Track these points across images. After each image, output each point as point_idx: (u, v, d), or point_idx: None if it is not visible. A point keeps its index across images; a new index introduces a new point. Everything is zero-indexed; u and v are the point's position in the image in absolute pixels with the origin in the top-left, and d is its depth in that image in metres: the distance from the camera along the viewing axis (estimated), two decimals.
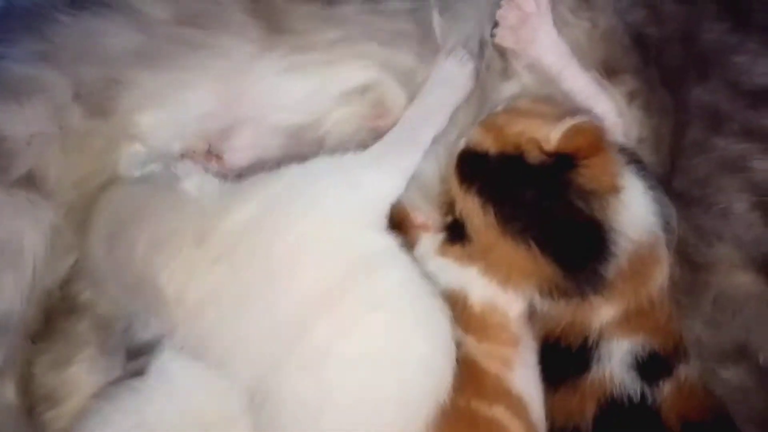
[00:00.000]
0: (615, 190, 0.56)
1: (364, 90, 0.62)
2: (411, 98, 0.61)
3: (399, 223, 0.61)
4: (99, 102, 0.60)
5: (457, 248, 0.59)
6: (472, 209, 0.57)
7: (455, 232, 0.59)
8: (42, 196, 0.59)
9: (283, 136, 0.62)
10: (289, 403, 0.52)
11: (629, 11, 0.62)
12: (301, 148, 0.62)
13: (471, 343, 0.57)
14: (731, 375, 0.55)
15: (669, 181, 0.59)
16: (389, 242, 0.55)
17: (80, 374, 0.61)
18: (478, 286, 0.58)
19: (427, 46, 0.62)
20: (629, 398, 0.55)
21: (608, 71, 0.62)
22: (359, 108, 0.62)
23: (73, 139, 0.60)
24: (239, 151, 0.63)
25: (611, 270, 0.55)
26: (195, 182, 0.57)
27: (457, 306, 0.57)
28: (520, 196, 0.56)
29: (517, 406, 0.55)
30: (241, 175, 0.61)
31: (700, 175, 0.58)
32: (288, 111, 0.62)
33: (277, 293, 0.53)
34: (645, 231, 0.57)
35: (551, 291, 0.56)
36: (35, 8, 0.61)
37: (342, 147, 0.61)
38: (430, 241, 0.61)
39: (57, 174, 0.59)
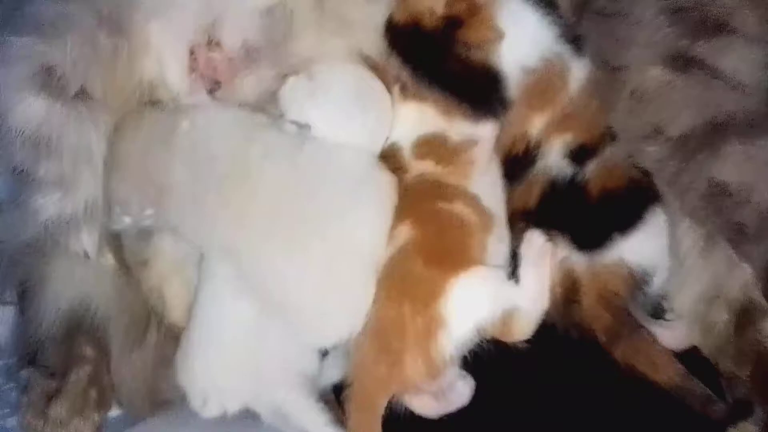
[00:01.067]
0: (497, 37, 0.70)
1: None
2: None
3: (380, 77, 0.75)
4: (117, 22, 0.74)
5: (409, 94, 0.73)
6: (398, 68, 0.72)
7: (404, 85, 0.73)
8: (97, 105, 0.73)
9: (260, 17, 0.75)
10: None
11: None
12: (277, 25, 0.75)
13: (438, 169, 0.71)
14: (652, 150, 0.68)
15: (588, 2, 0.71)
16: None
17: (160, 240, 0.75)
18: (439, 122, 0.73)
19: None
20: (563, 179, 0.70)
21: None
22: None
23: (106, 55, 0.73)
24: (231, 36, 0.76)
25: (512, 92, 0.71)
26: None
27: (436, 144, 0.72)
28: (422, 54, 0.71)
29: (471, 201, 0.70)
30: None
31: None
32: None
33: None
34: (538, 55, 0.71)
35: (471, 119, 0.71)
36: None
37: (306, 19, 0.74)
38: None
39: (103, 85, 0.73)
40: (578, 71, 0.72)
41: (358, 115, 0.71)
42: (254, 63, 0.75)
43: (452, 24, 0.70)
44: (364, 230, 0.68)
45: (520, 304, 0.66)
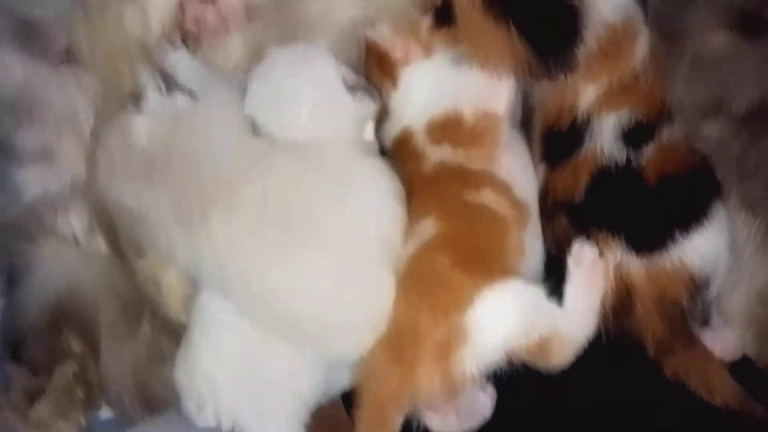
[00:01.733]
0: None
1: None
2: None
3: (381, 62, 0.66)
4: None
5: (443, 32, 0.64)
6: None
7: (443, 15, 0.63)
8: (83, 69, 0.67)
9: None
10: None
11: None
12: None
13: (459, 153, 0.63)
14: (711, 130, 0.60)
15: None
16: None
17: None
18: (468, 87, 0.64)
19: None
20: (616, 164, 0.62)
21: None
22: None
23: (92, 13, 0.67)
24: None
25: (582, 52, 0.60)
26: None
27: (451, 125, 0.64)
28: None
29: (502, 187, 0.62)
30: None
31: None
32: None
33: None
34: (619, 11, 0.61)
35: (525, 72, 0.61)
36: None
37: None
38: (414, 70, 0.66)
39: (88, 47, 0.67)
40: (645, 39, 0.62)
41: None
42: (251, 25, 0.68)
43: None
44: (366, 224, 0.61)
45: (561, 329, 0.58)
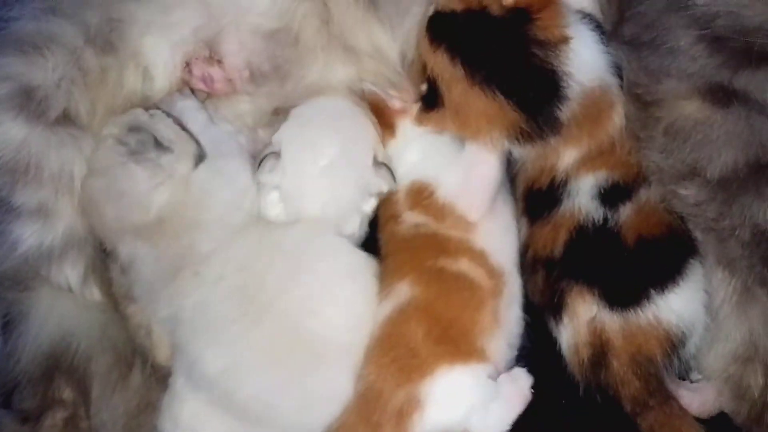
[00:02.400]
0: (565, 40, 0.62)
1: None
2: None
3: (379, 113, 0.68)
4: (106, 40, 0.69)
5: (432, 114, 0.64)
6: (442, 65, 0.62)
7: (430, 99, 0.64)
8: (80, 129, 0.68)
9: (263, 40, 0.70)
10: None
11: None
12: (282, 51, 0.69)
13: (433, 223, 0.64)
14: (688, 192, 0.61)
15: (619, 30, 0.65)
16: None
17: None
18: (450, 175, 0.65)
19: None
20: (593, 223, 0.63)
21: None
22: (317, 4, 0.68)
23: (92, 77, 0.68)
24: (232, 55, 0.70)
25: (566, 112, 0.62)
26: None
27: (423, 195, 0.65)
28: (484, 46, 0.61)
29: (479, 257, 0.63)
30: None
31: (648, 20, 0.63)
32: (260, 16, 0.69)
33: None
34: (595, 77, 0.63)
35: (516, 136, 0.62)
36: None
37: (312, 44, 0.68)
38: (409, 125, 0.67)
39: (87, 108, 0.68)
40: (621, 107, 0.64)
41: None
42: (257, 89, 0.70)
43: (521, 16, 0.61)
44: (313, 309, 0.61)
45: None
